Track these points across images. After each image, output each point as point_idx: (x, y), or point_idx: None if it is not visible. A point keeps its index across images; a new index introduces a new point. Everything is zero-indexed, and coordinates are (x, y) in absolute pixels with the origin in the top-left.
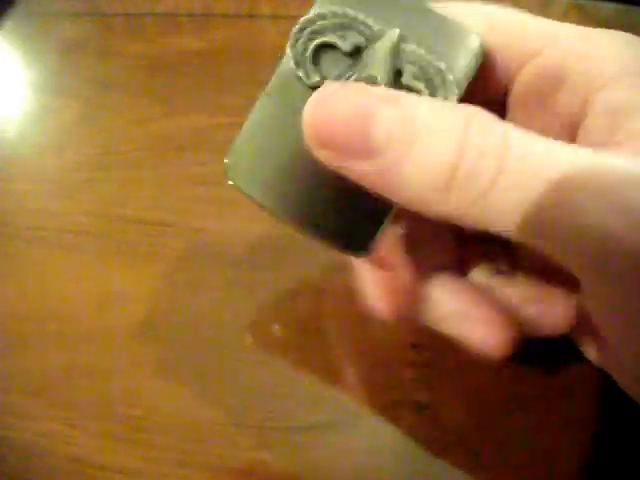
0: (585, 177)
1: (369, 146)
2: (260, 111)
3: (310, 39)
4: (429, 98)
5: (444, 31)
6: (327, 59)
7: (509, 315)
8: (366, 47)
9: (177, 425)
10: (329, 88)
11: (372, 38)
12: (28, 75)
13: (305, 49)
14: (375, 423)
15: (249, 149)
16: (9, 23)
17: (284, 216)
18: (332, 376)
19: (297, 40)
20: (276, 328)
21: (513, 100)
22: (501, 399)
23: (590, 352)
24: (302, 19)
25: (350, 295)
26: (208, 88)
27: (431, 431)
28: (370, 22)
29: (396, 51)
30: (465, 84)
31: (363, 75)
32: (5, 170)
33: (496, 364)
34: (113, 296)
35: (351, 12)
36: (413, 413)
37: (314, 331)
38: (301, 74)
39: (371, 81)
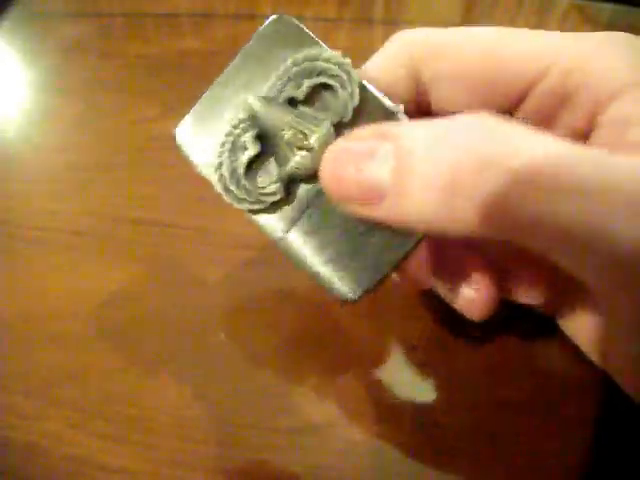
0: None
1: (374, 196)
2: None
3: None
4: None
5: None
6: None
7: (491, 277)
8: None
9: (177, 425)
10: (332, 152)
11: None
12: (27, 75)
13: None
14: (374, 423)
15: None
16: (8, 23)
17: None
18: (331, 376)
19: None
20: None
21: (521, 115)
22: (500, 399)
23: (593, 354)
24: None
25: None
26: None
27: (431, 431)
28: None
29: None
30: None
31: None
32: (4, 170)
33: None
34: (112, 296)
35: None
36: (412, 413)
37: (313, 330)
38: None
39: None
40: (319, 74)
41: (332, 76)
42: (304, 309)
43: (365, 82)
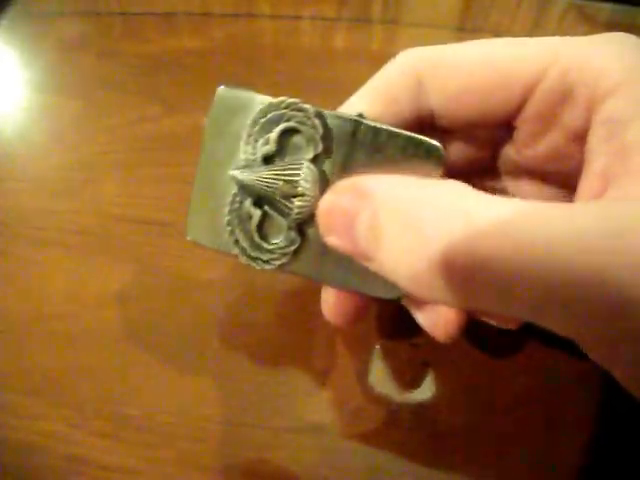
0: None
1: (354, 241)
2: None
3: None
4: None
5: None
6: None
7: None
8: None
9: (176, 425)
10: (323, 208)
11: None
12: (26, 74)
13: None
14: (373, 423)
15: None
16: (6, 22)
17: None
18: (330, 376)
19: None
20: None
21: (520, 122)
22: (500, 399)
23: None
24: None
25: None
26: (207, 87)
27: (430, 430)
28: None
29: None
30: None
31: None
32: (3, 169)
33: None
34: (112, 295)
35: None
36: (412, 412)
37: (313, 330)
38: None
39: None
40: (277, 123)
41: (289, 119)
42: (304, 309)
43: (319, 109)
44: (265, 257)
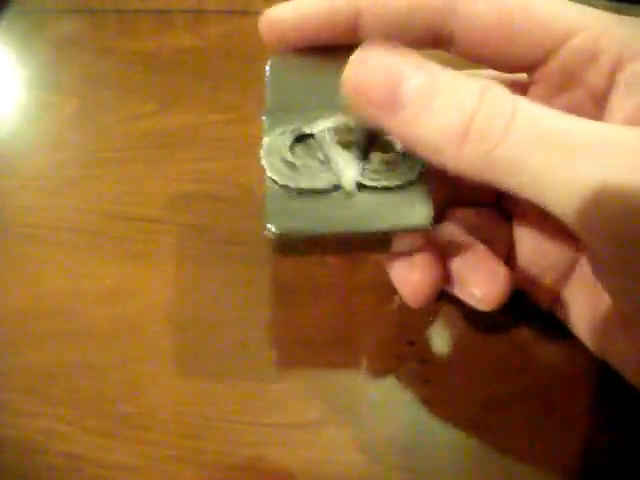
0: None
1: (396, 100)
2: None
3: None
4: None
5: None
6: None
7: (501, 267)
8: None
9: (174, 422)
10: (367, 49)
11: None
12: (21, 72)
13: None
14: (371, 419)
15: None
16: (2, 22)
17: (344, 230)
18: (326, 372)
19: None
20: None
21: (539, 76)
22: (499, 397)
23: (593, 344)
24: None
25: (347, 292)
26: (202, 85)
27: (427, 428)
28: None
29: None
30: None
31: None
32: None
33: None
34: (108, 293)
35: None
36: (407, 409)
37: (311, 326)
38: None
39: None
40: None
41: None
42: (300, 305)
43: None
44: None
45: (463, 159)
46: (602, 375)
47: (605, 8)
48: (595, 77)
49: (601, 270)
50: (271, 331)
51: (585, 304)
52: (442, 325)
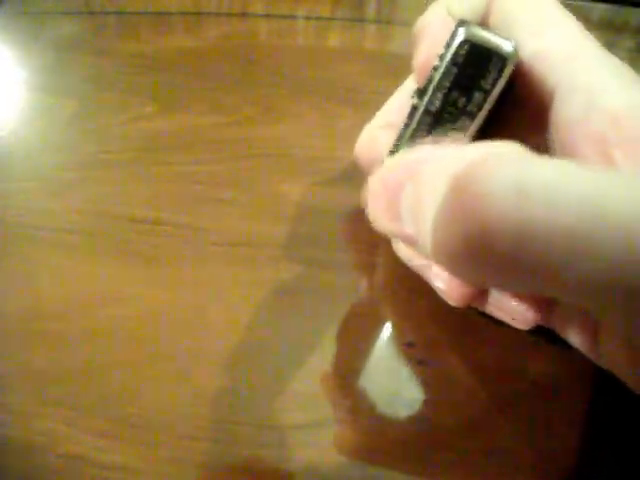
0: None
1: (399, 220)
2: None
3: None
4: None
5: None
6: None
7: None
8: None
9: (173, 423)
10: (388, 164)
11: None
12: (20, 74)
13: None
14: (370, 421)
15: None
16: (1, 23)
17: None
18: (328, 374)
19: None
20: None
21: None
22: (499, 398)
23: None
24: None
25: (346, 294)
26: (202, 87)
27: (425, 429)
28: None
29: None
30: None
31: None
32: None
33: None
34: (108, 294)
35: None
36: (407, 411)
37: (310, 329)
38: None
39: None
40: None
41: None
42: (300, 308)
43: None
44: None
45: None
46: (602, 376)
47: (605, 10)
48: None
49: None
50: (270, 333)
51: (576, 322)
52: (442, 326)
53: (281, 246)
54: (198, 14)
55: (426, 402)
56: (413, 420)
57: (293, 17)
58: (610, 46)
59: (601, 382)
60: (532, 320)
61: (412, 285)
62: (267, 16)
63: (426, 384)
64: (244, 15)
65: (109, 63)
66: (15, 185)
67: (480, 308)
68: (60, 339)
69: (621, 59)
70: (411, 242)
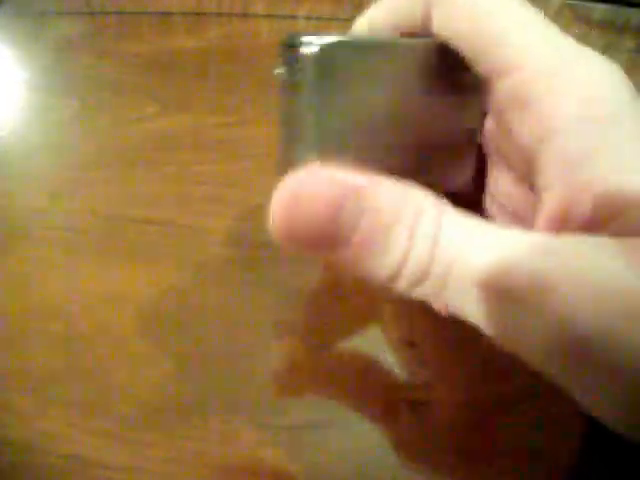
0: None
1: (335, 242)
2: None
3: None
4: (389, 186)
5: None
6: None
7: None
8: None
9: (175, 423)
10: (300, 177)
11: None
12: (22, 74)
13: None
14: (372, 421)
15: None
16: (1, 22)
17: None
18: (329, 375)
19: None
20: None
21: (493, 111)
22: (498, 398)
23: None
24: None
25: (348, 294)
26: (203, 87)
27: (428, 429)
28: None
29: None
30: None
31: None
32: (0, 169)
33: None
34: (111, 294)
35: None
36: (409, 411)
37: (312, 330)
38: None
39: None
40: None
41: None
42: (303, 307)
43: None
44: None
45: (403, 289)
46: None
47: (605, 10)
48: (526, 135)
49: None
50: (273, 333)
51: None
52: (442, 327)
53: (281, 247)
54: (199, 14)
55: (427, 402)
56: (413, 420)
57: (294, 17)
58: (610, 47)
59: None
60: None
61: None
62: (268, 16)
63: (427, 384)
64: (245, 15)
65: (110, 63)
66: (15, 185)
67: None
68: (60, 339)
69: (622, 60)
70: (347, 265)
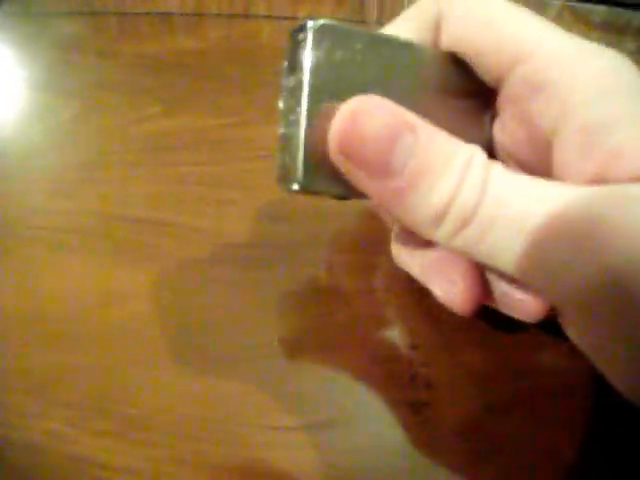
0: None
1: (388, 168)
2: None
3: None
4: (443, 136)
5: None
6: None
7: (477, 277)
8: None
9: (178, 424)
10: (362, 102)
11: None
12: (23, 74)
13: None
14: (374, 422)
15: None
16: (2, 22)
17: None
18: (332, 375)
19: None
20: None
21: (503, 102)
22: (501, 399)
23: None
24: None
25: (348, 294)
26: (204, 88)
27: (430, 430)
28: None
29: None
30: None
31: None
32: (1, 169)
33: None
34: (111, 295)
35: None
36: (412, 413)
37: (313, 330)
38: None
39: None
40: None
41: None
42: (306, 309)
43: None
44: None
45: (440, 236)
46: (602, 377)
47: (606, 12)
48: (544, 115)
49: (568, 327)
50: (277, 334)
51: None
52: (444, 328)
53: (282, 247)
54: (200, 15)
55: (430, 403)
56: (414, 420)
57: (294, 18)
58: (611, 48)
59: (601, 382)
60: (538, 313)
61: (415, 286)
62: (269, 17)
63: (429, 385)
64: (246, 16)
65: (111, 64)
66: (16, 185)
67: (487, 304)
68: (62, 340)
69: None
70: (392, 198)
